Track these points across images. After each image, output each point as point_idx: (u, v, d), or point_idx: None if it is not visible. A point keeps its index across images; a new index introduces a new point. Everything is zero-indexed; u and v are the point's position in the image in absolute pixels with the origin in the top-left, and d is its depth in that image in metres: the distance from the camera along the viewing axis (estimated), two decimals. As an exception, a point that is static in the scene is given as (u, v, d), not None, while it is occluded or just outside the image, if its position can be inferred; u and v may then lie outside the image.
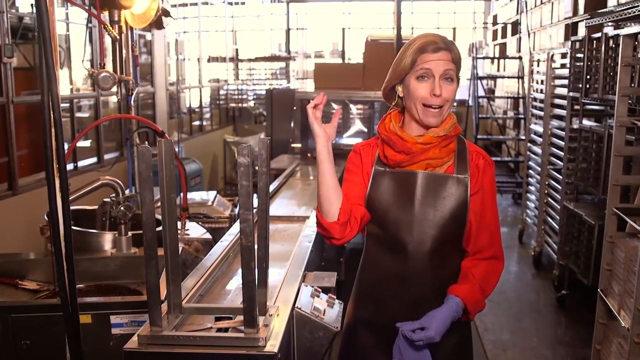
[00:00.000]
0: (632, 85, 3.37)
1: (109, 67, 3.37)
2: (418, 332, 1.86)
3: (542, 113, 5.94)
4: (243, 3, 12.85)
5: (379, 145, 2.05)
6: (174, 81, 9.45)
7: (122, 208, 3.10)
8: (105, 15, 3.29)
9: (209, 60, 11.19)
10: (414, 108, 1.95)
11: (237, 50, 12.52)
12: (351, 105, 6.33)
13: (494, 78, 11.84)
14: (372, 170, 2.03)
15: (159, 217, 1.83)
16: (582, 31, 5.58)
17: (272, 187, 4.20)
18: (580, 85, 4.49)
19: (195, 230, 3.50)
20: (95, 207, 3.47)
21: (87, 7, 3.40)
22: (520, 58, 9.59)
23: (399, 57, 1.96)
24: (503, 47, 11.73)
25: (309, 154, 5.99)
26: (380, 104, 6.17)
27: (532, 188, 6.46)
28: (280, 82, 12.65)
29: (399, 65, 1.95)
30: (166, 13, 3.71)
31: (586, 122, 4.78)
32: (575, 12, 6.63)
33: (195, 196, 4.58)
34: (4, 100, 4.96)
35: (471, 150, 2.04)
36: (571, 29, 6.75)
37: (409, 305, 2.00)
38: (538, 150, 6.13)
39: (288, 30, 15.01)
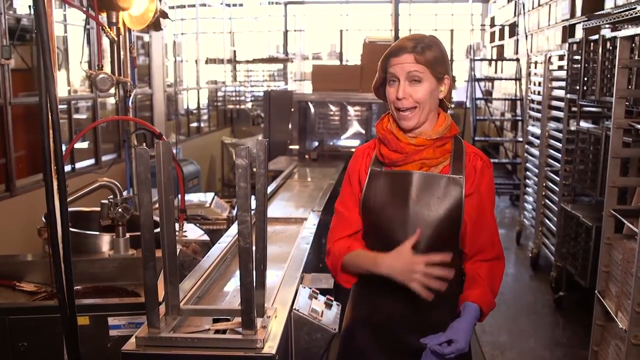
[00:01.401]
0: (629, 87, 3.38)
1: (107, 68, 3.37)
2: (445, 346, 1.85)
3: (539, 115, 5.95)
4: (241, 5, 12.85)
5: (376, 144, 2.08)
6: (171, 83, 9.44)
7: (120, 209, 3.10)
8: (103, 17, 3.29)
9: (206, 62, 11.19)
10: (392, 113, 2.00)
11: (234, 51, 12.52)
12: (349, 107, 6.33)
13: (491, 80, 11.85)
14: (369, 170, 2.06)
15: (157, 218, 1.82)
16: (579, 33, 5.58)
17: (269, 189, 4.20)
18: (578, 87, 4.50)
19: (193, 232, 3.50)
20: (93, 208, 3.47)
21: (85, 9, 3.39)
22: (517, 60, 9.61)
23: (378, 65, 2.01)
24: (500, 49, 11.74)
25: (306, 156, 5.99)
26: (378, 105, 6.17)
27: (529, 190, 6.47)
28: (278, 83, 12.65)
29: (377, 73, 2.01)
30: (164, 15, 3.71)
31: (583, 124, 4.78)
32: (572, 14, 6.65)
33: (192, 198, 4.57)
34: (1, 102, 4.95)
35: (468, 151, 2.05)
36: (568, 31, 6.76)
37: (406, 305, 2.01)
38: (535, 152, 6.14)
39: (286, 32, 15.02)
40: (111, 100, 7.15)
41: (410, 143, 1.97)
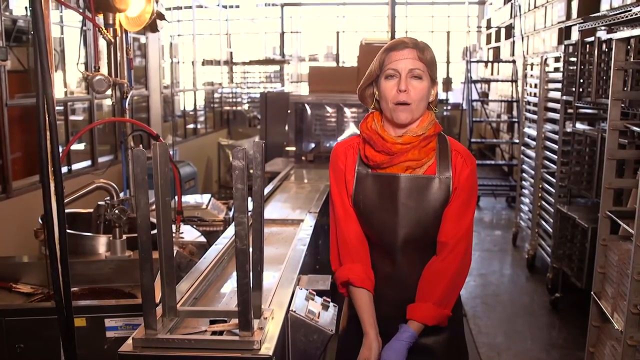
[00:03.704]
0: (625, 89, 3.39)
1: (104, 70, 3.37)
2: None
3: (535, 116, 5.96)
4: (237, 6, 12.85)
5: (360, 144, 2.06)
6: (168, 84, 9.43)
7: (116, 211, 3.10)
8: (99, 19, 3.29)
9: (203, 64, 11.18)
10: (386, 107, 1.97)
11: (231, 53, 12.52)
12: (345, 109, 6.33)
13: (487, 82, 11.87)
14: (355, 172, 2.05)
15: (154, 220, 1.82)
16: (575, 35, 5.61)
17: (266, 191, 4.20)
18: (574, 89, 4.51)
19: (189, 234, 3.50)
20: (90, 210, 3.47)
21: (81, 11, 3.39)
22: (514, 62, 9.63)
23: (373, 61, 1.99)
24: (497, 50, 11.77)
25: (303, 157, 5.99)
26: (374, 107, 6.17)
27: (525, 191, 6.48)
28: (275, 85, 12.65)
29: (371, 68, 1.99)
30: (161, 16, 3.71)
31: (579, 126, 4.80)
32: (568, 16, 6.67)
33: (189, 199, 4.57)
34: (-3, 103, 4.94)
35: (453, 148, 2.05)
36: (564, 33, 6.78)
37: (398, 306, 2.04)
38: (532, 153, 6.15)
39: (282, 34, 15.02)
40: (108, 102, 7.13)
41: (396, 142, 1.97)
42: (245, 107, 12.46)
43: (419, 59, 1.92)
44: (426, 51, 1.93)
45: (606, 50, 3.97)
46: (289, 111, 6.15)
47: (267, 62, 13.15)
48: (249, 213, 1.76)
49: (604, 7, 5.62)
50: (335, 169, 2.10)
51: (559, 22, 7.03)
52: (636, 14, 3.18)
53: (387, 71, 1.94)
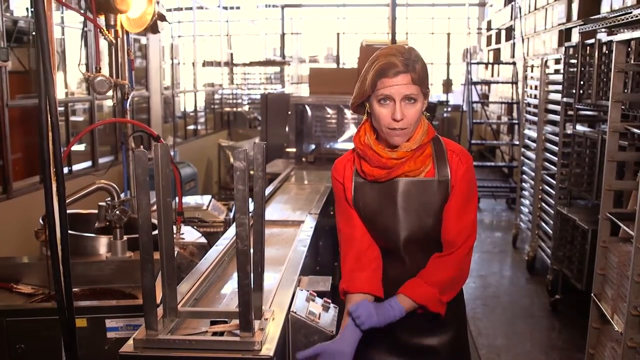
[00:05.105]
0: (625, 91, 3.39)
1: (105, 71, 3.37)
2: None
3: (535, 118, 5.97)
4: (238, 8, 12.86)
5: (356, 159, 2.06)
6: (168, 85, 9.44)
7: (117, 212, 3.10)
8: (101, 20, 3.30)
9: (203, 65, 11.18)
10: (380, 129, 1.95)
11: (231, 54, 12.53)
12: (345, 110, 6.33)
13: (488, 83, 11.88)
14: (353, 182, 2.05)
15: (155, 221, 1.83)
16: (575, 37, 5.61)
17: (266, 192, 4.20)
18: (574, 91, 4.52)
19: (190, 235, 3.50)
20: (90, 211, 3.47)
21: (83, 12, 3.40)
22: (514, 63, 9.64)
23: (362, 76, 1.94)
24: (497, 52, 11.77)
25: (303, 159, 5.99)
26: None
27: (525, 193, 6.49)
28: (275, 86, 12.65)
29: (362, 87, 1.94)
30: (162, 17, 3.72)
31: (580, 128, 4.80)
32: (569, 18, 6.67)
33: (190, 200, 4.58)
34: (-2, 104, 4.94)
35: (448, 149, 2.03)
36: (565, 35, 6.79)
37: None
38: (532, 155, 6.16)
39: (283, 35, 15.04)
40: (108, 103, 7.14)
41: (391, 157, 1.95)
42: (246, 108, 12.45)
43: (412, 82, 1.86)
44: (417, 67, 1.87)
45: (606, 52, 3.98)
46: (289, 112, 6.15)
47: (268, 63, 13.15)
48: (250, 214, 1.76)
49: (604, 9, 5.63)
50: (335, 184, 2.11)
51: (559, 24, 7.03)
52: (636, 16, 3.19)
53: (379, 96, 1.89)
